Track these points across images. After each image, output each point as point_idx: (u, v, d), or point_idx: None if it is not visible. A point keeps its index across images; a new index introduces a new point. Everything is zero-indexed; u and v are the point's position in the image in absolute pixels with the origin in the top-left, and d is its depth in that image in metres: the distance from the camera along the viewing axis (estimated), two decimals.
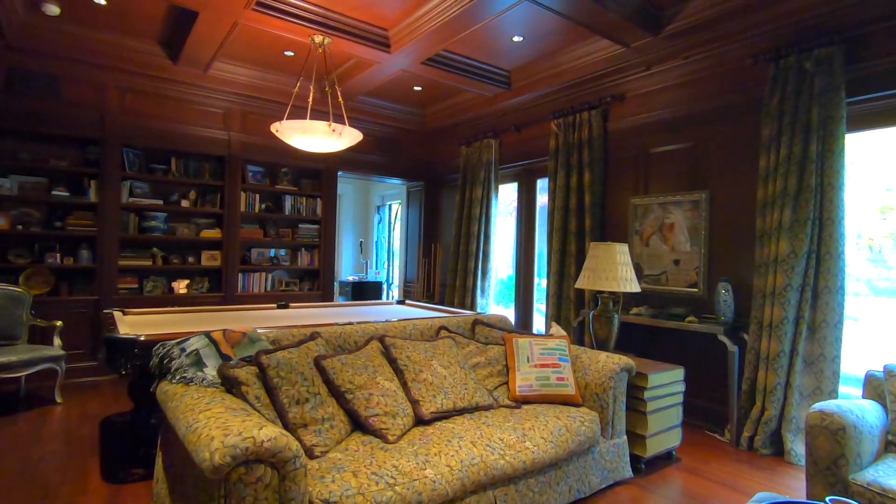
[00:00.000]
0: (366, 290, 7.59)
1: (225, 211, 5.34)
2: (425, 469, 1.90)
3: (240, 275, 5.48)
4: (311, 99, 4.07)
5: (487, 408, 2.55)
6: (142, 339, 2.57)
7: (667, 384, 2.98)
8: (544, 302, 5.63)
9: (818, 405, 2.25)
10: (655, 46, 3.88)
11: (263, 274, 5.68)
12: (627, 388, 2.82)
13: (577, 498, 2.48)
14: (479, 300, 5.83)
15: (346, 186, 8.08)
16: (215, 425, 1.55)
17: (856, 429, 2.14)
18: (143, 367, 2.63)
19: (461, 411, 2.45)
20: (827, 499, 1.42)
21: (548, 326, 4.73)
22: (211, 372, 2.09)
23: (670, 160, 4.14)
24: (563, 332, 3.17)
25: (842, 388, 3.17)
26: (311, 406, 2.08)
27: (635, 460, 2.86)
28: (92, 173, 4.67)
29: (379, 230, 8.44)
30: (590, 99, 4.65)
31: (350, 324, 2.85)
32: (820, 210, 3.18)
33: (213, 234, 5.34)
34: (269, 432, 1.52)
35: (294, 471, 1.55)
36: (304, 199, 5.93)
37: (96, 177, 4.67)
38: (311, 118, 3.88)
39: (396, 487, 1.78)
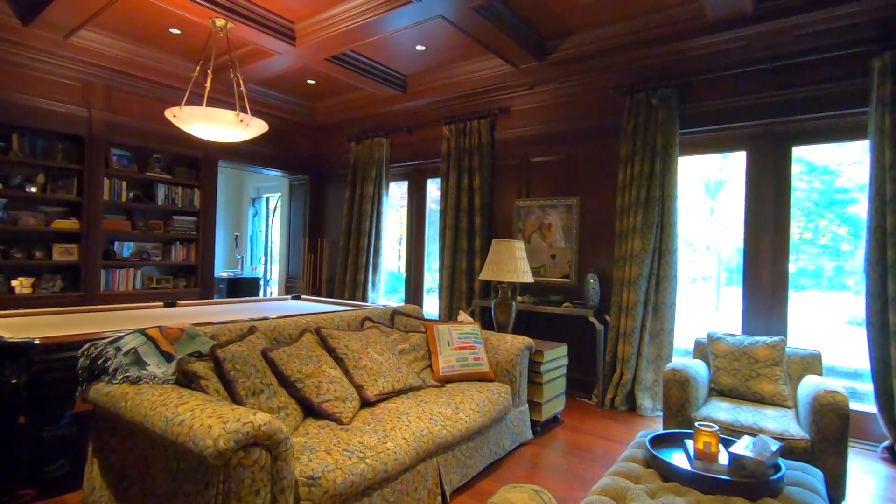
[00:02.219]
0: (242, 287, 7.19)
1: (84, 199, 4.69)
2: (386, 443, 2.11)
3: (102, 271, 4.86)
4: (208, 84, 3.85)
5: (418, 388, 2.82)
6: (37, 342, 2.31)
7: (556, 359, 3.56)
8: (431, 294, 6.04)
9: (670, 365, 2.96)
10: (539, 70, 4.49)
11: (132, 270, 5.11)
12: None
13: (495, 459, 2.88)
14: (370, 294, 5.99)
15: (218, 176, 7.51)
16: (206, 415, 1.57)
17: (695, 380, 2.88)
18: (39, 374, 2.37)
19: (398, 392, 2.68)
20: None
21: (456, 316, 5.12)
22: (155, 370, 2.01)
23: (548, 169, 4.81)
24: (471, 320, 3.57)
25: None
26: (266, 396, 2.13)
27: (534, 424, 3.37)
28: None
29: (255, 224, 8.02)
30: (479, 109, 5.14)
31: (263, 318, 2.86)
32: (661, 216, 4.05)
33: (68, 224, 4.65)
34: (263, 417, 1.60)
35: (285, 451, 1.65)
36: (180, 188, 5.46)
37: None
38: (194, 104, 3.69)
39: (367, 460, 1.96)
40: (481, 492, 2.56)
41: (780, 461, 1.91)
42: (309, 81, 5.40)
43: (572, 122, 4.64)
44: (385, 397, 2.58)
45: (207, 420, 1.54)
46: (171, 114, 3.54)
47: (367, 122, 6.13)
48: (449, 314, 5.18)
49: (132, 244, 5.22)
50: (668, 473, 1.88)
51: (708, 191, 8.08)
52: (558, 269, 4.66)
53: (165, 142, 5.18)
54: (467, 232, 5.12)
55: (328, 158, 6.74)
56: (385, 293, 7.34)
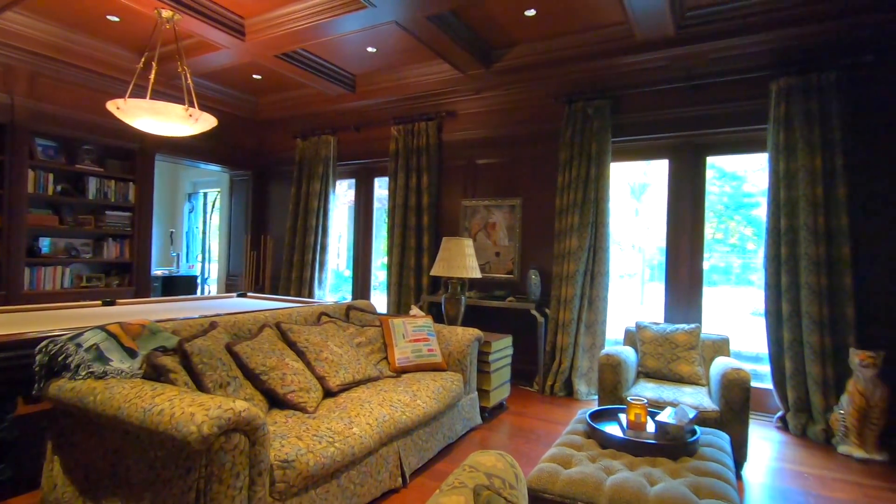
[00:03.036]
0: (178, 286, 6.91)
1: (5, 192, 4.37)
2: (352, 428, 2.24)
3: (26, 269, 4.56)
4: (152, 76, 3.75)
5: (377, 379, 2.95)
6: None
7: (503, 349, 3.81)
8: (375, 291, 6.14)
9: (604, 351, 3.28)
10: (485, 77, 4.73)
11: (59, 268, 4.82)
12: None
13: (448, 443, 3.07)
14: (316, 291, 5.99)
15: None
16: (185, 404, 1.64)
17: (625, 364, 3.22)
18: None
19: (359, 383, 2.80)
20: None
21: (407, 311, 5.24)
22: (120, 365, 2.02)
23: (493, 171, 5.07)
24: (423, 314, 3.74)
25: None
26: (232, 389, 2.19)
27: (482, 410, 3.60)
28: None
29: (191, 220, 7.71)
30: (428, 111, 5.31)
31: (216, 315, 2.87)
32: (596, 216, 4.42)
33: None
34: (243, 404, 1.68)
35: (263, 436, 1.74)
36: (113, 182, 5.20)
37: None
38: (134, 96, 3.59)
39: (336, 444, 2.09)
40: (437, 472, 2.74)
41: (696, 427, 2.25)
42: (254, 76, 5.33)
43: (515, 127, 4.92)
44: (346, 387, 2.70)
45: (188, 409, 1.61)
46: (114, 106, 3.42)
47: (313, 120, 6.12)
48: (398, 310, 5.32)
49: (49, 240, 4.88)
50: (606, 442, 2.15)
51: (633, 193, 8.74)
52: (503, 265, 4.94)
53: (97, 132, 4.92)
54: (415, 230, 5.28)
55: (272, 154, 6.64)
56: (330, 291, 7.34)
